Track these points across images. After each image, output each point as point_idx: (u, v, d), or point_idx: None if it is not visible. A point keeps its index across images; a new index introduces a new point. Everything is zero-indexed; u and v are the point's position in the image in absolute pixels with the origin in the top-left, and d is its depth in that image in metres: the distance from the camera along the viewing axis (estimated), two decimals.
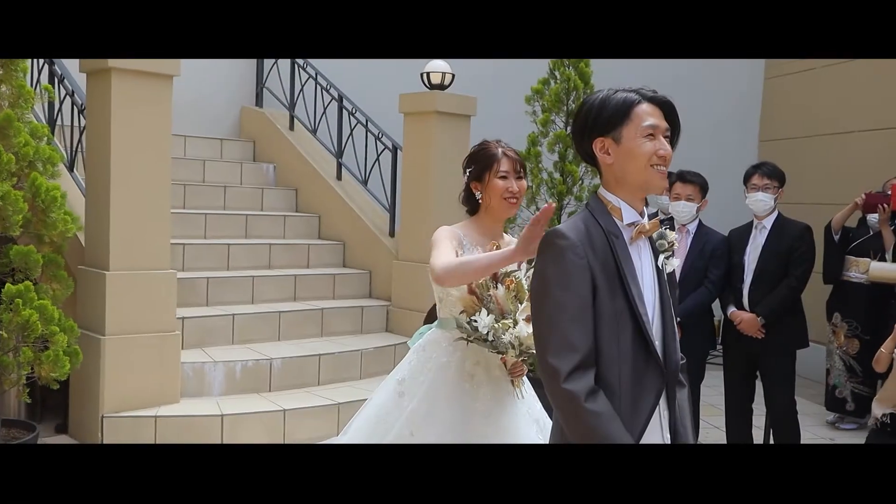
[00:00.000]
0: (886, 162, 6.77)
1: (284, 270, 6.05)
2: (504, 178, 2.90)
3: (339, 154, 6.70)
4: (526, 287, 2.71)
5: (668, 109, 2.13)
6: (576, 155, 5.84)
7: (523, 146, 6.05)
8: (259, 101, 7.56)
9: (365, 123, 6.47)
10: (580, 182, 5.94)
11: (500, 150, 2.94)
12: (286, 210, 6.79)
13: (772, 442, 4.94)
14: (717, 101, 8.43)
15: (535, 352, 2.71)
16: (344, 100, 6.63)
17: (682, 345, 4.86)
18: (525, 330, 2.65)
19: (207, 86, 7.02)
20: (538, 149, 5.95)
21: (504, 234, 3.09)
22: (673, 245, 2.28)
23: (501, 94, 6.80)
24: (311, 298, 5.94)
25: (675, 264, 2.28)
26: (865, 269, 5.84)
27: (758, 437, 5.07)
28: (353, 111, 6.55)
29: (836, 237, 5.94)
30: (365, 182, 6.56)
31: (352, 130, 6.59)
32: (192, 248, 5.71)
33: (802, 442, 4.92)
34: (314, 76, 6.87)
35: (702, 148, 7.90)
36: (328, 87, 6.77)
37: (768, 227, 4.77)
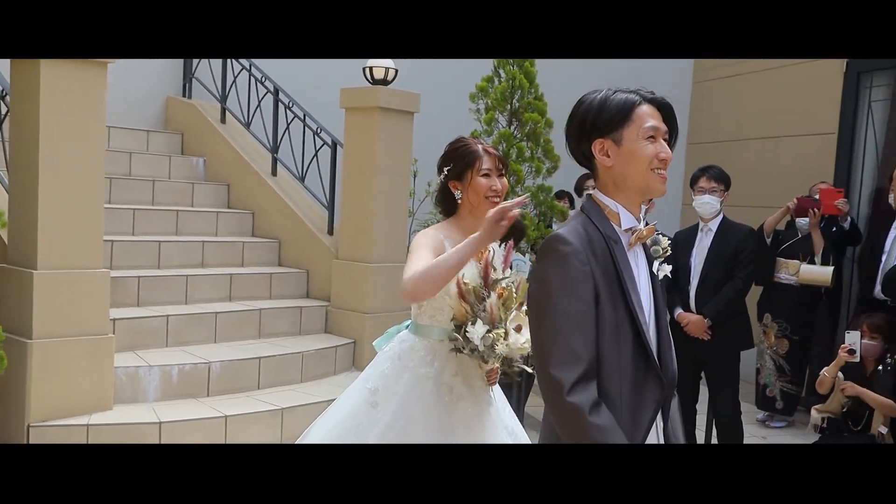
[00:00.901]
0: (813, 167, 6.97)
1: (219, 269, 5.81)
2: (487, 175, 2.80)
3: (274, 149, 6.49)
4: (515, 295, 2.64)
5: (667, 111, 2.07)
6: (519, 154, 5.80)
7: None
8: (187, 91, 7.26)
9: (303, 118, 6.27)
10: (523, 182, 5.89)
11: (480, 146, 2.84)
12: (218, 206, 6.54)
13: (714, 442, 5.01)
14: None
15: (520, 361, 2.66)
16: (280, 93, 6.41)
17: None
18: (518, 340, 2.58)
19: (130, 73, 6.67)
20: None
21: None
22: (667, 252, 2.24)
23: (445, 91, 6.71)
24: (248, 298, 5.73)
25: (666, 270, 2.24)
26: (795, 271, 5.98)
27: (698, 437, 5.14)
28: (290, 105, 6.34)
29: (768, 240, 6.07)
30: (302, 178, 6.37)
31: (288, 125, 6.38)
32: (121, 245, 5.42)
33: None
34: (248, 67, 6.63)
35: None
36: (263, 78, 6.54)
37: (714, 229, 4.83)
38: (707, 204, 4.79)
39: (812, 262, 5.85)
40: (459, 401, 2.78)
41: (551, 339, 1.89)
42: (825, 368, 4.73)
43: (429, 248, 2.68)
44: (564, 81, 7.26)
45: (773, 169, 7.47)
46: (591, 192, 2.09)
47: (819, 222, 5.76)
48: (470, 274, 2.67)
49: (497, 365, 2.71)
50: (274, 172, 6.51)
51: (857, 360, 4.55)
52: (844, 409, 4.67)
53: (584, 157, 2.06)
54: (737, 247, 4.72)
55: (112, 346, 4.36)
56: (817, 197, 5.89)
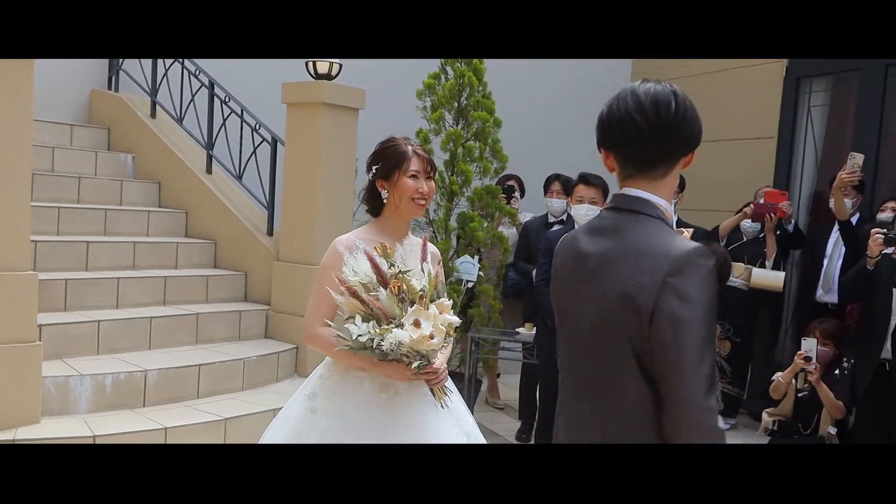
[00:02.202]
0: (753, 171, 7.06)
1: (151, 271, 5.49)
2: (414, 177, 2.78)
3: (209, 146, 6.18)
4: (418, 289, 2.54)
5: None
6: (466, 154, 5.66)
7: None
8: (113, 84, 6.88)
9: (240, 113, 5.99)
10: (471, 183, 5.77)
11: (410, 147, 2.81)
12: (148, 205, 6.20)
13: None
14: (590, 103, 8.50)
15: (423, 355, 2.54)
16: (215, 87, 6.11)
17: None
18: (405, 335, 2.48)
19: (49, 63, 6.27)
20: (430, 146, 5.72)
21: (409, 234, 2.93)
22: None
23: (390, 87, 6.54)
24: (183, 302, 5.42)
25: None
26: (740, 274, 6.01)
27: None
28: (227, 99, 6.05)
29: (722, 243, 6.08)
30: (239, 177, 6.08)
31: (224, 120, 6.09)
32: (45, 245, 5.06)
33: None
34: (180, 60, 6.31)
35: (573, 151, 7.96)
36: (197, 71, 6.23)
37: None
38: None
39: (763, 265, 5.89)
40: (397, 397, 2.71)
41: (709, 364, 1.70)
42: (780, 374, 4.76)
43: (333, 277, 2.64)
44: (511, 80, 7.19)
45: (712, 172, 7.49)
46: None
47: (774, 228, 5.79)
48: (364, 269, 2.59)
49: (408, 362, 2.61)
50: (209, 170, 6.20)
51: (814, 367, 4.58)
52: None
53: (669, 161, 1.80)
54: None
55: (40, 355, 4.03)
56: (762, 201, 5.93)
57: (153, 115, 6.53)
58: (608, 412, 1.74)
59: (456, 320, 2.64)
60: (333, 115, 5.50)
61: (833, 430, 4.62)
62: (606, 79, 8.49)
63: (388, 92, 6.31)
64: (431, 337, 2.57)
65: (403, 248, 2.84)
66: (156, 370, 4.52)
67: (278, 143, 5.83)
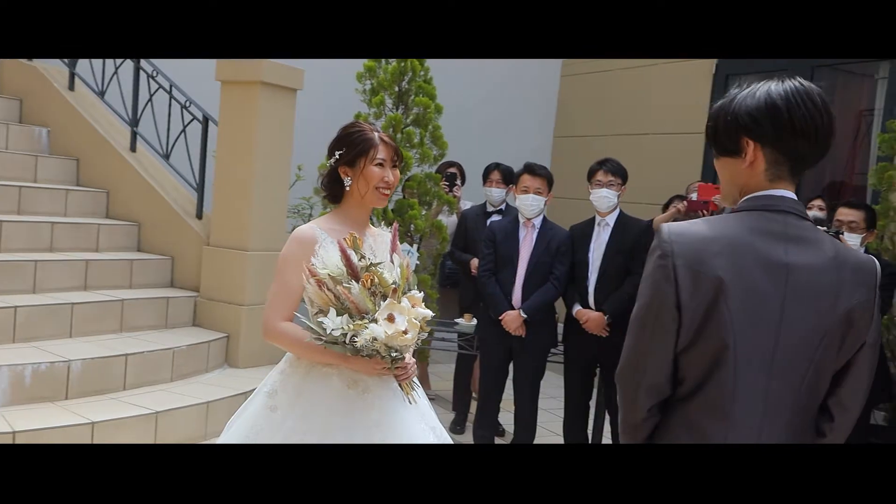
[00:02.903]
0: (681, 164, 7.16)
1: (71, 254, 5.16)
2: (381, 165, 2.67)
3: (133, 122, 5.86)
4: (390, 282, 2.44)
5: None
6: (408, 139, 5.52)
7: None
8: None
9: (168, 90, 5.69)
10: (411, 169, 5.64)
11: (376, 134, 2.69)
12: (66, 183, 5.83)
13: (608, 438, 4.98)
14: (521, 95, 8.50)
15: (397, 350, 2.44)
16: (142, 59, 5.79)
17: (526, 342, 4.78)
18: (380, 330, 2.38)
19: None
20: None
21: (370, 225, 2.81)
22: None
23: (329, 69, 6.32)
24: (105, 287, 5.13)
25: None
26: None
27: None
28: (154, 74, 5.74)
29: None
30: (167, 156, 5.79)
31: (151, 96, 5.77)
32: None
33: None
34: None
35: (502, 141, 7.94)
36: None
37: (611, 224, 4.77)
38: (604, 198, 4.72)
39: None
40: (366, 393, 2.60)
41: None
42: None
43: (297, 271, 2.51)
44: (452, 67, 7.07)
45: (640, 165, 7.57)
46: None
47: None
48: (333, 262, 2.47)
49: (382, 358, 2.50)
50: (133, 148, 5.88)
51: None
52: None
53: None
54: (634, 242, 4.66)
55: None
56: (694, 196, 5.98)
57: (71, 87, 6.14)
58: (803, 424, 1.73)
59: (429, 313, 2.53)
60: (270, 94, 5.28)
61: None
62: (539, 69, 8.54)
63: (327, 73, 6.10)
64: (405, 332, 2.46)
65: (371, 239, 2.71)
66: (79, 360, 4.25)
67: (210, 122, 5.57)
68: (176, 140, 5.69)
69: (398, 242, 2.67)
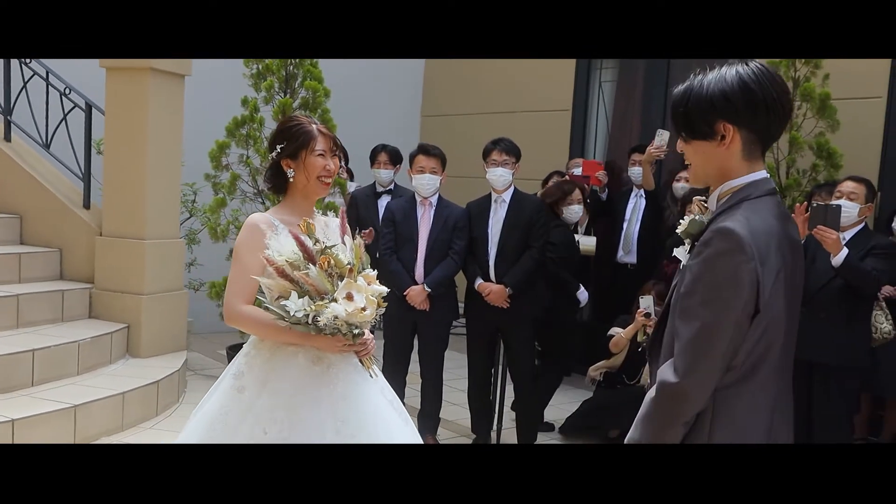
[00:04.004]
0: (549, 141, 7.58)
1: None
2: (321, 156, 2.82)
3: (7, 111, 5.62)
4: (345, 262, 2.62)
5: None
6: None
7: (238, 111, 5.68)
8: None
9: (45, 77, 5.51)
10: None
11: (314, 126, 2.85)
12: None
13: (510, 407, 5.34)
14: (388, 75, 8.65)
15: (357, 326, 2.65)
16: None
17: (430, 316, 5.04)
18: (341, 309, 2.58)
19: None
20: (261, 115, 5.63)
21: (316, 213, 2.97)
22: None
23: None
24: None
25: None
26: None
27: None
28: (27, 60, 5.53)
29: None
30: (47, 146, 5.60)
31: (25, 83, 5.56)
32: None
33: None
34: None
35: (371, 121, 8.10)
36: None
37: (507, 200, 5.07)
38: (501, 177, 5.02)
39: (576, 231, 6.36)
40: (330, 368, 2.76)
41: None
42: (623, 331, 5.23)
43: (254, 256, 2.65)
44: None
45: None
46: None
47: (586, 197, 6.23)
48: (288, 249, 2.64)
49: (344, 335, 2.69)
50: (7, 137, 5.65)
51: (653, 321, 5.07)
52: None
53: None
54: (530, 218, 5.00)
55: None
56: (577, 171, 6.40)
57: None
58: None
59: (384, 290, 2.73)
60: (160, 80, 5.23)
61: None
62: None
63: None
64: (364, 309, 2.65)
65: (321, 225, 2.87)
66: None
67: (93, 110, 5.44)
68: (56, 129, 5.53)
69: (346, 224, 2.84)
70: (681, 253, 1.92)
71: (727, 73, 1.81)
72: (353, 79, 8.27)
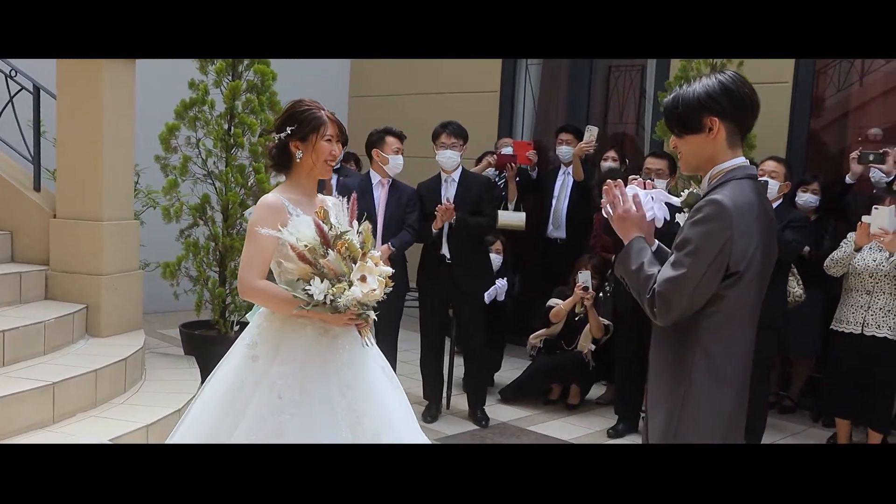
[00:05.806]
0: (478, 122, 7.85)
1: None
2: (329, 141, 3.03)
3: None
4: (358, 246, 2.88)
5: None
6: (254, 108, 5.75)
7: (186, 94, 5.78)
8: None
9: None
10: (256, 134, 5.88)
11: (324, 112, 3.06)
12: None
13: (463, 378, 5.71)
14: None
15: (369, 305, 2.94)
16: None
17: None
18: (358, 291, 2.86)
19: None
20: (212, 99, 5.75)
21: (317, 194, 3.20)
22: None
23: None
24: None
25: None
26: None
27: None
28: None
29: None
30: None
31: None
32: None
33: None
34: None
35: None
36: None
37: (457, 180, 5.42)
38: (449, 158, 5.35)
39: (505, 208, 6.72)
40: (336, 339, 3.00)
41: None
42: (563, 302, 5.63)
43: (265, 235, 2.86)
44: None
45: (437, 122, 8.24)
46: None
47: (514, 175, 6.59)
48: (308, 235, 2.88)
49: (357, 313, 2.97)
50: None
51: (590, 295, 5.49)
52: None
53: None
54: (479, 194, 5.37)
55: None
56: (506, 150, 6.74)
57: None
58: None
59: (390, 270, 3.00)
60: (113, 63, 5.28)
61: (592, 347, 5.64)
62: None
63: None
64: (375, 290, 2.92)
65: (331, 207, 3.08)
66: None
67: (41, 92, 5.45)
68: (2, 111, 5.51)
69: (356, 210, 3.08)
70: (682, 219, 2.31)
71: (709, 80, 2.28)
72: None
